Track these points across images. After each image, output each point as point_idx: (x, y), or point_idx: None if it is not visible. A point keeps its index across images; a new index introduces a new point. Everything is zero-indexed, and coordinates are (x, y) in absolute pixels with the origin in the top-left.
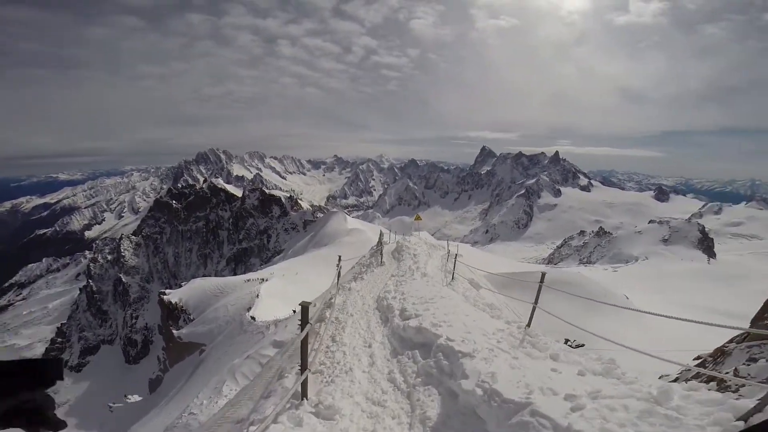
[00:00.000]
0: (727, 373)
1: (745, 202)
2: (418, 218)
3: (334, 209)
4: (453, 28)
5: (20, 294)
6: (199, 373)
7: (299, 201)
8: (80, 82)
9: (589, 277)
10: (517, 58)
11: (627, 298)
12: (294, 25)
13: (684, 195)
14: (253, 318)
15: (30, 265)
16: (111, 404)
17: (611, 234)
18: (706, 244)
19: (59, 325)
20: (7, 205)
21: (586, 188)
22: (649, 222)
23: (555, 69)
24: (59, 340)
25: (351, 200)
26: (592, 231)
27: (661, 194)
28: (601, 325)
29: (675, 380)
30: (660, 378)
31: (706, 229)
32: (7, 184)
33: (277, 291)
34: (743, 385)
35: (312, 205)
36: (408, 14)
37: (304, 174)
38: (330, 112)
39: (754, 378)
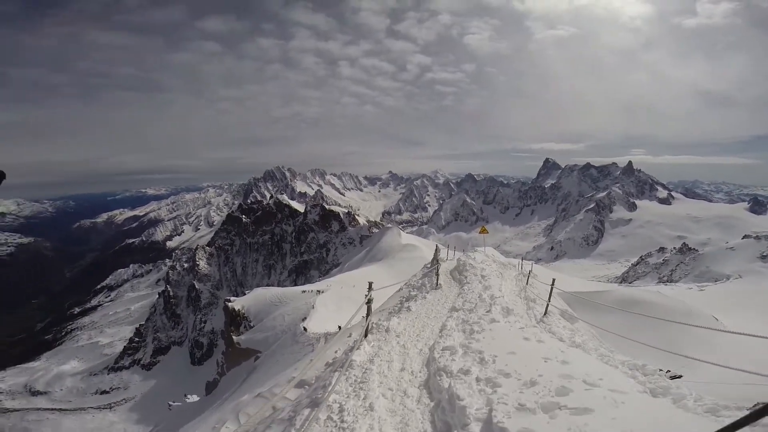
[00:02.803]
0: None
1: None
2: (483, 231)
3: (389, 225)
4: (509, 41)
5: (109, 296)
6: (250, 380)
7: (356, 216)
8: (165, 104)
9: (670, 296)
10: (580, 66)
11: (717, 320)
12: (353, 46)
13: None
14: (305, 329)
15: (119, 270)
16: (171, 403)
17: (697, 251)
18: None
19: (138, 326)
20: (104, 216)
21: (665, 201)
22: (744, 237)
23: (623, 76)
24: (136, 339)
25: (405, 216)
26: (674, 248)
27: (757, 206)
28: (688, 352)
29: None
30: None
31: None
32: (105, 197)
33: (332, 303)
34: None
35: (368, 221)
36: (461, 30)
37: (361, 190)
38: (386, 129)
39: None
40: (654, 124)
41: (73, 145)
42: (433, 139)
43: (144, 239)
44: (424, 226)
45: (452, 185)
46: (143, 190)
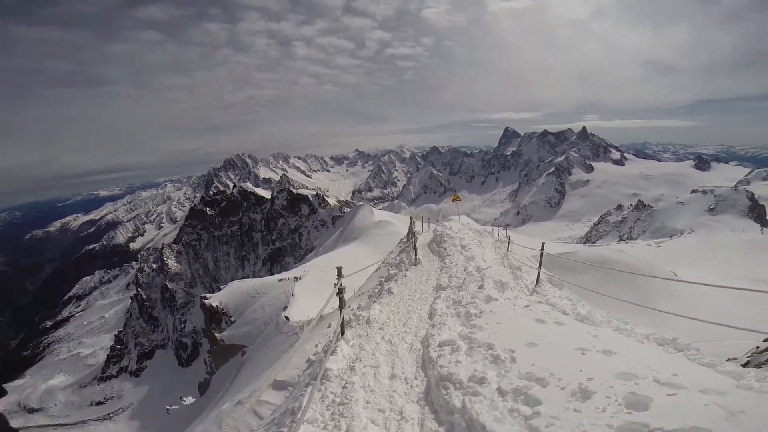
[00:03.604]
0: None
1: None
2: (456, 198)
3: (360, 203)
4: (466, 14)
5: (79, 305)
6: (241, 376)
7: (326, 198)
8: (109, 98)
9: (631, 253)
10: (535, 37)
11: (675, 274)
12: (307, 26)
13: (727, 163)
14: (287, 318)
15: (84, 278)
16: (168, 407)
17: (651, 207)
18: (757, 212)
19: (117, 333)
20: (57, 224)
21: (619, 162)
22: (692, 192)
23: (575, 45)
24: (118, 347)
25: (376, 192)
26: (631, 205)
27: (702, 163)
28: (655, 306)
29: (745, 365)
30: (728, 361)
31: (755, 196)
32: (55, 203)
33: (311, 288)
34: None
35: (339, 201)
36: (419, 4)
37: (328, 171)
38: (348, 107)
39: None
40: (605, 91)
41: (10, 150)
42: (397, 115)
43: (105, 243)
44: (395, 201)
45: (418, 159)
46: (95, 192)
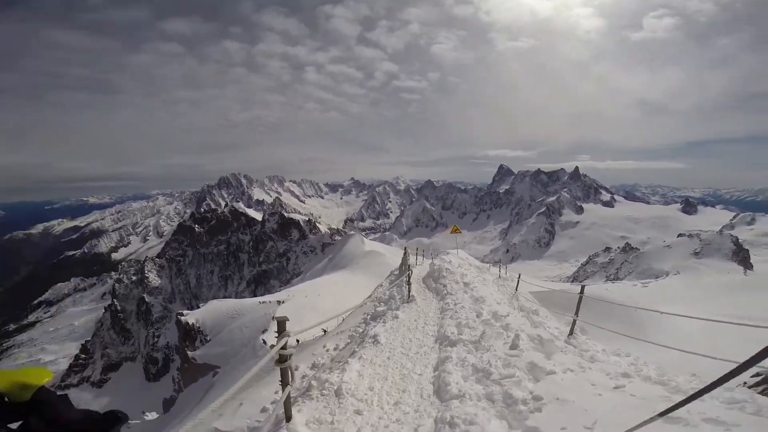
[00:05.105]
0: None
1: None
2: (455, 230)
3: (352, 232)
4: (473, 52)
5: (48, 311)
6: (208, 398)
7: (317, 224)
8: (118, 106)
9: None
10: (536, 77)
11: (660, 313)
12: (321, 52)
13: (713, 206)
14: (264, 342)
15: (58, 285)
16: (128, 421)
17: (638, 249)
18: (741, 256)
19: (83, 342)
20: (40, 227)
21: (609, 204)
22: (678, 236)
23: (574, 86)
24: (83, 356)
25: (368, 223)
26: (618, 247)
27: (689, 207)
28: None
29: None
30: None
31: (739, 240)
32: (42, 207)
33: (294, 314)
34: None
35: (330, 228)
36: (429, 40)
37: (322, 197)
38: (350, 135)
39: None
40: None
41: (16, 148)
42: (396, 146)
43: (86, 251)
44: (387, 233)
45: (413, 191)
46: (84, 199)
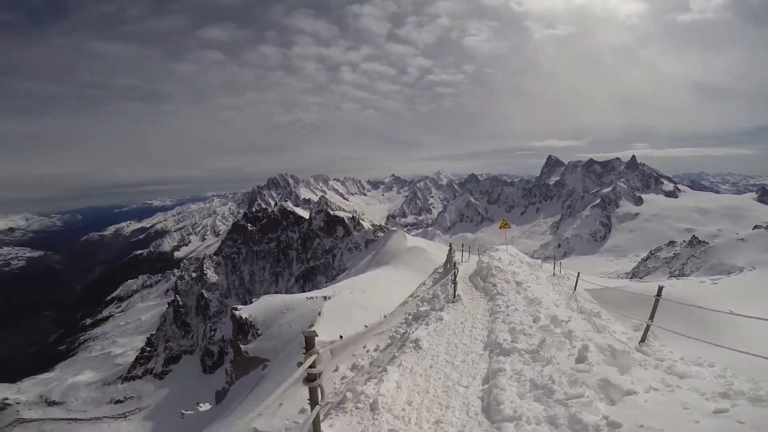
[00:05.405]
0: None
1: None
2: (505, 225)
3: (394, 228)
4: (508, 42)
5: (119, 307)
6: (257, 391)
7: (361, 221)
8: (167, 114)
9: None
10: (579, 64)
11: (733, 313)
12: (354, 51)
13: None
14: None
15: (128, 282)
16: (183, 411)
17: (707, 243)
18: None
19: (149, 336)
20: (111, 229)
21: (672, 194)
22: (754, 228)
23: (621, 72)
24: (148, 349)
25: (410, 218)
26: (684, 241)
27: (766, 195)
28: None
29: None
30: None
31: None
32: (111, 210)
33: (339, 309)
34: None
35: (373, 225)
36: (460, 32)
37: (365, 194)
38: (387, 132)
39: None
40: (653, 117)
41: (75, 157)
42: (434, 141)
43: (152, 250)
44: (429, 228)
45: (455, 186)
46: (149, 202)
